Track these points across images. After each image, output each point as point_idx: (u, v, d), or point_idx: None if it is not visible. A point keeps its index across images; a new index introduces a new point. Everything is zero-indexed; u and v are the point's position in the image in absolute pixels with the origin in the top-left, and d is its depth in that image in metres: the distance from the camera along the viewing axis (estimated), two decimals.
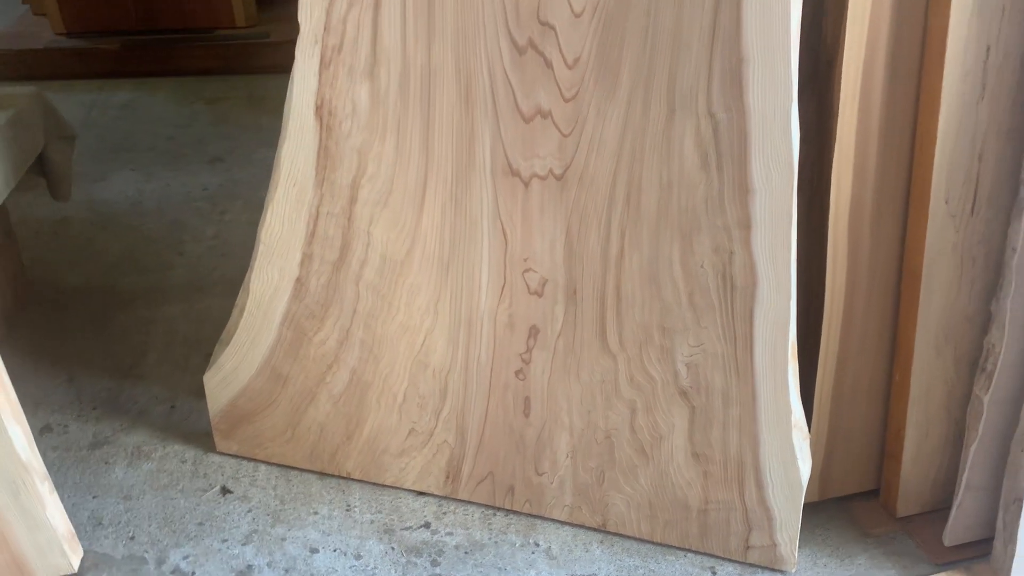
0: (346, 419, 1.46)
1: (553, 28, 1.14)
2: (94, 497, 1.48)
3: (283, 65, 3.60)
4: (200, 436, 1.60)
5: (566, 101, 1.17)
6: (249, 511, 1.45)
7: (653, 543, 1.40)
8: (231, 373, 1.48)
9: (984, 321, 1.33)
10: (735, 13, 1.07)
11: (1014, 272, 1.25)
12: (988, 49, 1.19)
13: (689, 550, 1.39)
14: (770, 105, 1.10)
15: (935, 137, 1.23)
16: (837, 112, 1.23)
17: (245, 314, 1.43)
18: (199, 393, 1.69)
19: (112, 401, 1.69)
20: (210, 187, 2.47)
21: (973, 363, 1.35)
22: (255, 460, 1.55)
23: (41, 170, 1.88)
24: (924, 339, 1.34)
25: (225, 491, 1.49)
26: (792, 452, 1.27)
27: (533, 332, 1.32)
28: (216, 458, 1.55)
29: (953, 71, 1.19)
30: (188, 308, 1.95)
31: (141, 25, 3.35)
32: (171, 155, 2.65)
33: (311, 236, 1.34)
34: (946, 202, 1.26)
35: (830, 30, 1.23)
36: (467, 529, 1.42)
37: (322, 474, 1.52)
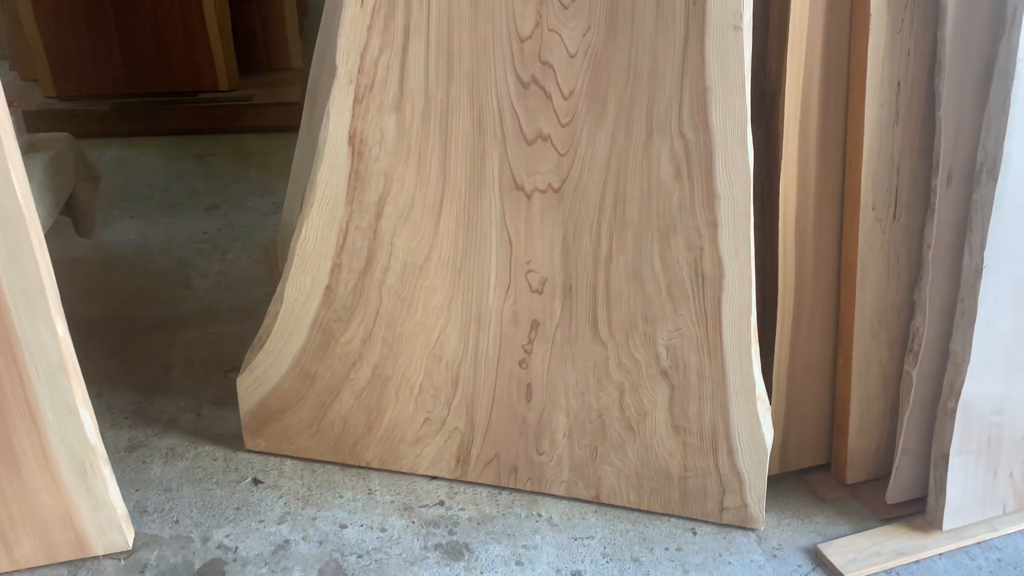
0: (367, 412, 1.65)
1: (552, 67, 1.39)
2: (136, 490, 1.63)
3: (265, 125, 3.85)
4: (227, 438, 1.77)
5: (563, 126, 1.42)
6: (280, 497, 1.62)
7: (641, 510, 1.60)
8: (263, 374, 1.66)
9: (910, 308, 1.59)
10: (699, 53, 1.34)
11: (930, 266, 1.52)
12: (899, 84, 1.48)
13: (672, 515, 1.59)
14: (730, 126, 1.36)
15: (861, 156, 1.50)
16: (782, 136, 1.50)
17: (279, 320, 1.62)
18: (222, 403, 1.87)
19: (142, 412, 1.84)
20: (209, 231, 2.66)
21: (903, 345, 1.60)
22: (281, 455, 1.72)
23: (67, 209, 2.06)
24: (861, 326, 1.59)
25: (256, 482, 1.66)
26: (757, 420, 1.50)
27: (534, 325, 1.54)
28: (244, 455, 1.72)
29: (872, 102, 1.48)
30: (203, 333, 2.12)
31: (129, 89, 3.56)
32: (169, 204, 2.84)
33: (341, 248, 1.55)
34: (873, 209, 1.53)
35: (773, 70, 1.51)
36: (477, 505, 1.61)
37: (344, 465, 1.69)
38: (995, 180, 1.42)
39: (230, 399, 1.86)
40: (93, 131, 3.43)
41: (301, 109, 3.63)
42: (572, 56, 1.38)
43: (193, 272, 2.41)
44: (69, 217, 2.08)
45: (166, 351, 2.05)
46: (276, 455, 1.72)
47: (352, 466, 1.69)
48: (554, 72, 1.40)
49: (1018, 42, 1.38)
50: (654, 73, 1.36)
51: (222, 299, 2.28)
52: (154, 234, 2.63)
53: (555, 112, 1.42)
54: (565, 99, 1.41)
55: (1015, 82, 1.39)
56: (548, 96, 1.41)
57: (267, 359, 1.65)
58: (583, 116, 1.41)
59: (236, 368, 1.98)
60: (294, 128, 3.55)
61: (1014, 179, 1.43)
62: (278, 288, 1.63)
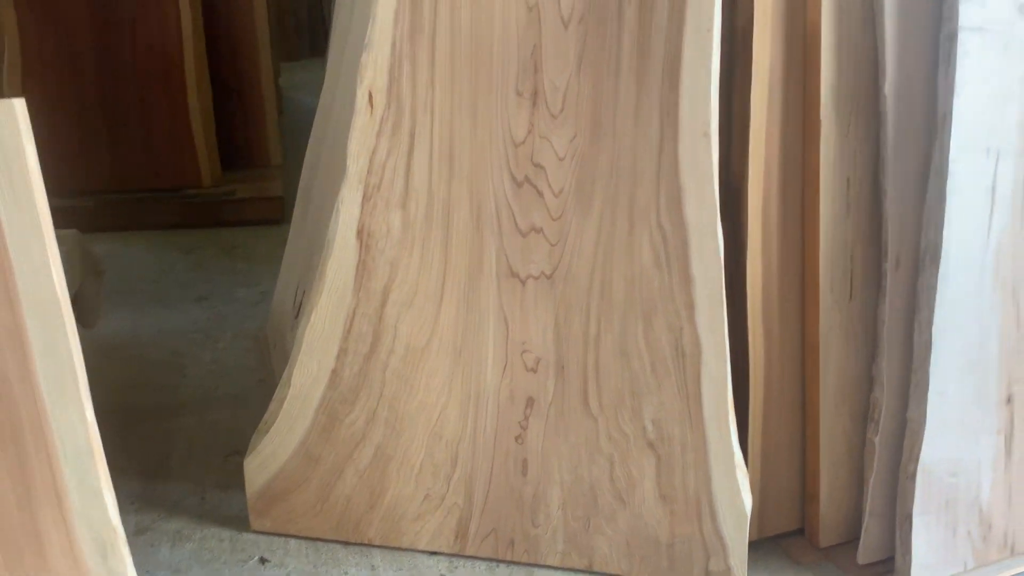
0: (370, 490, 1.74)
1: (543, 168, 1.56)
2: (147, 572, 1.68)
3: (248, 218, 3.98)
4: (232, 520, 1.83)
5: (554, 220, 1.57)
6: (287, 575, 1.68)
7: None
8: (270, 456, 1.75)
9: (869, 381, 1.74)
10: (673, 156, 1.51)
11: (885, 342, 1.68)
12: (848, 180, 1.67)
13: None
14: (702, 219, 1.53)
15: (818, 243, 1.68)
16: (746, 226, 1.67)
17: (286, 404, 1.72)
18: (224, 486, 1.94)
19: (146, 497, 1.90)
20: (200, 321, 2.75)
21: (864, 415, 1.75)
22: (286, 535, 1.78)
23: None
24: (826, 399, 1.73)
25: (263, 561, 1.72)
26: (737, 487, 1.62)
27: (530, 402, 1.66)
28: (250, 536, 1.79)
29: (826, 196, 1.66)
30: (200, 419, 2.20)
31: (114, 186, 3.68)
32: (158, 296, 2.93)
33: (347, 333, 1.67)
34: (831, 291, 1.69)
35: (737, 168, 1.69)
36: None
37: (346, 543, 1.77)
38: (937, 264, 1.60)
39: (232, 482, 1.94)
40: (80, 226, 3.51)
41: (282, 203, 3.81)
42: (561, 159, 1.55)
43: (187, 361, 2.49)
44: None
45: (166, 437, 2.12)
46: (281, 535, 1.79)
47: (355, 543, 1.77)
48: (545, 173, 1.56)
49: (949, 143, 1.57)
50: (634, 173, 1.53)
51: (217, 386, 2.36)
52: (146, 325, 2.72)
53: (547, 207, 1.57)
54: (555, 196, 1.57)
55: (949, 178, 1.58)
56: (540, 194, 1.57)
57: (274, 442, 1.74)
58: (572, 210, 1.57)
59: (236, 452, 2.06)
60: (275, 221, 3.72)
61: (954, 263, 1.60)
62: (284, 373, 1.74)
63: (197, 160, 3.72)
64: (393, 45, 1.54)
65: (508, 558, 1.73)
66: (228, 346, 2.59)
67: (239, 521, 1.82)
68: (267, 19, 4.00)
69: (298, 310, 2.27)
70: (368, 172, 1.59)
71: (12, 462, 1.39)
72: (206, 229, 3.59)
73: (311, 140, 2.48)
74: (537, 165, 1.56)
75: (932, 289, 1.61)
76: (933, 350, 1.62)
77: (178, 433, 2.14)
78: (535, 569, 1.72)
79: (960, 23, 1.54)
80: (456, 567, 1.72)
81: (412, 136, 1.57)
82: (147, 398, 2.29)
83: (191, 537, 1.78)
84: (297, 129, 5.37)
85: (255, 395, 2.32)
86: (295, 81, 6.99)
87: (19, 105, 1.29)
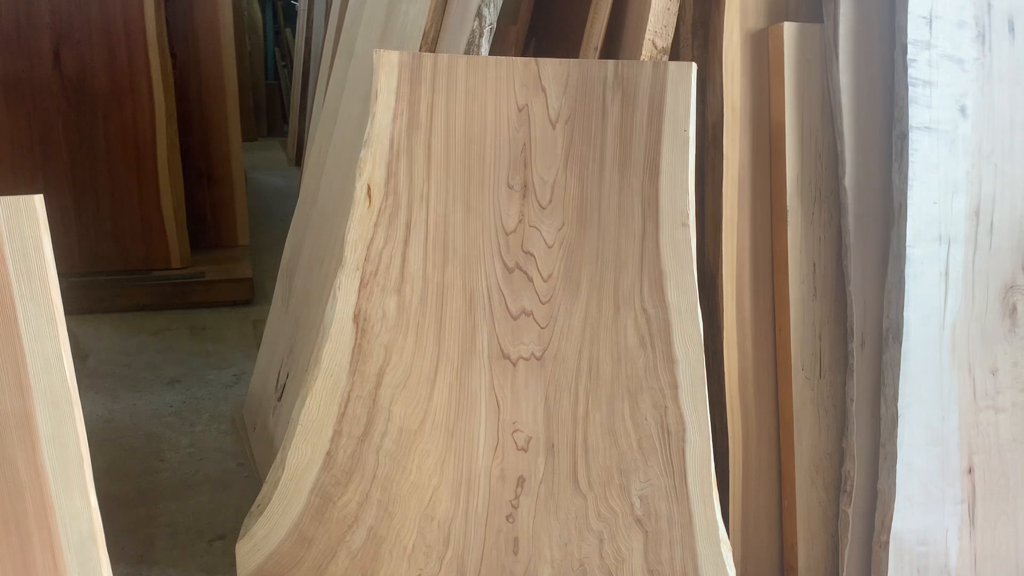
0: (362, 572, 1.75)
1: (533, 255, 1.64)
2: None
3: (217, 300, 4.00)
4: None
5: (543, 303, 1.66)
6: None
7: None
8: (262, 540, 1.76)
9: (840, 454, 1.83)
10: (655, 244, 1.61)
11: (854, 417, 1.78)
12: (814, 265, 1.79)
13: None
14: (683, 302, 1.62)
15: (789, 324, 1.79)
16: (722, 309, 1.77)
17: (279, 486, 1.74)
18: (211, 571, 1.93)
19: None
20: (175, 404, 2.75)
21: (837, 487, 1.83)
22: None
23: None
24: (801, 473, 1.82)
25: None
26: (722, 560, 1.68)
27: (520, 481, 1.71)
28: None
29: (794, 280, 1.78)
30: (182, 505, 2.19)
31: (84, 267, 3.68)
32: (130, 379, 2.92)
33: (342, 416, 1.71)
34: (802, 369, 1.80)
35: (711, 254, 1.80)
36: None
37: None
38: (900, 342, 1.71)
39: (218, 566, 1.93)
40: None
41: (251, 284, 3.83)
42: (550, 246, 1.64)
43: (164, 445, 2.49)
44: None
45: (148, 523, 2.11)
46: None
47: None
48: (535, 259, 1.64)
49: (905, 231, 1.71)
50: (618, 259, 1.63)
51: (196, 471, 2.36)
52: (120, 409, 2.70)
53: (536, 292, 1.65)
54: (545, 281, 1.65)
55: (907, 263, 1.71)
56: (530, 279, 1.65)
57: (267, 524, 1.75)
58: (560, 294, 1.65)
59: (220, 537, 2.06)
60: (245, 302, 3.75)
61: (915, 341, 1.72)
62: (278, 456, 1.76)
63: (167, 243, 3.76)
64: (391, 141, 1.63)
65: None
66: (204, 429, 2.59)
67: None
68: (237, 105, 4.10)
69: (281, 392, 2.30)
70: (365, 260, 1.66)
71: (14, 549, 1.40)
72: (175, 311, 3.60)
73: (292, 227, 2.55)
74: (527, 252, 1.64)
75: (896, 366, 1.72)
76: (899, 424, 1.72)
77: (160, 519, 2.13)
78: None
79: (910, 123, 1.70)
80: None
81: (408, 226, 1.65)
82: (127, 484, 2.28)
83: None
84: (259, 208, 5.44)
85: (235, 478, 2.32)
86: (253, 161, 7.09)
87: (39, 201, 1.35)
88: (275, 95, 9.17)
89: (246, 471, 2.35)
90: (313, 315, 2.19)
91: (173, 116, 3.74)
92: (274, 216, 5.28)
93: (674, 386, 1.64)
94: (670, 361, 1.64)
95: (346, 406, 1.71)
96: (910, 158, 1.70)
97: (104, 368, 3.00)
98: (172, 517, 2.14)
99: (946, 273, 1.75)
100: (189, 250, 3.87)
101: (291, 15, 9.61)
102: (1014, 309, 1.85)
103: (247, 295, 3.76)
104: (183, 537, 2.06)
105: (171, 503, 2.20)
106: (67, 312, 3.40)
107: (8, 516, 1.39)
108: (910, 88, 1.69)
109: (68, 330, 3.17)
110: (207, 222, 4.14)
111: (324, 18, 5.48)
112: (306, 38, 6.56)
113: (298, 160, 6.94)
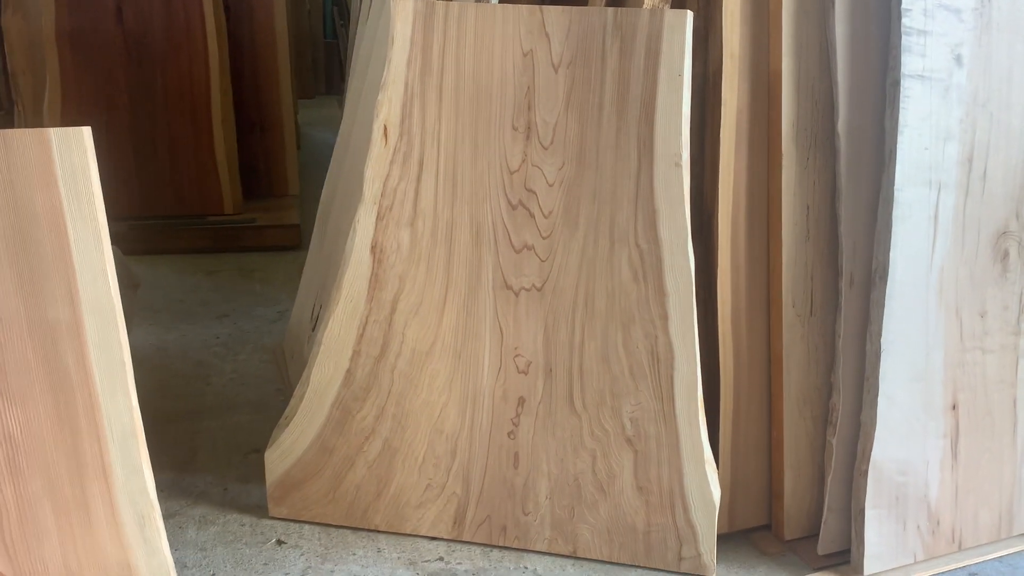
0: (377, 480, 1.93)
1: (535, 192, 1.77)
2: (176, 550, 1.87)
3: (266, 244, 4.22)
4: (252, 508, 2.02)
5: (543, 238, 1.79)
6: (302, 554, 1.87)
7: (612, 563, 1.87)
8: (288, 448, 1.94)
9: (828, 388, 1.93)
10: (649, 183, 1.72)
11: (841, 352, 1.88)
12: (808, 207, 1.88)
13: (638, 566, 1.87)
14: (674, 239, 1.73)
15: (781, 264, 1.88)
16: (718, 248, 1.88)
17: (304, 400, 1.92)
18: (245, 480, 2.13)
19: (174, 487, 2.10)
20: (222, 336, 2.96)
21: (824, 419, 1.94)
22: (300, 521, 1.97)
23: None
24: (789, 405, 1.92)
25: (280, 542, 1.91)
26: (707, 480, 1.81)
27: (520, 402, 1.86)
28: (268, 521, 1.98)
29: (787, 222, 1.87)
30: (223, 423, 2.40)
31: (143, 211, 3.93)
32: (183, 313, 3.15)
33: (360, 338, 1.87)
34: (793, 306, 1.89)
35: (709, 196, 1.90)
36: (472, 560, 1.87)
37: (355, 529, 1.95)
38: (886, 282, 1.80)
39: (252, 476, 2.13)
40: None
41: (298, 231, 4.05)
42: (550, 185, 1.76)
43: (210, 371, 2.70)
44: None
45: (192, 437, 2.32)
46: (296, 521, 1.98)
47: (362, 529, 1.95)
48: (536, 197, 1.77)
49: (894, 175, 1.78)
50: (614, 197, 1.74)
51: (238, 394, 2.57)
52: (172, 339, 2.93)
53: (537, 228, 1.78)
54: (545, 217, 1.78)
55: (895, 207, 1.78)
56: (532, 215, 1.78)
57: (292, 435, 1.94)
58: (560, 230, 1.78)
59: (255, 450, 2.26)
60: (293, 247, 3.95)
61: (900, 281, 1.80)
62: (304, 372, 1.94)
63: (220, 190, 3.97)
64: (406, 85, 1.77)
65: (500, 543, 1.92)
66: (248, 358, 2.80)
67: (258, 509, 2.01)
68: (288, 58, 4.27)
69: (315, 322, 2.48)
70: (382, 195, 1.81)
71: (67, 441, 1.60)
72: (228, 253, 3.82)
73: (329, 174, 2.71)
74: (529, 190, 1.77)
75: (881, 304, 1.81)
76: (882, 359, 1.81)
77: (203, 434, 2.34)
78: (525, 553, 1.90)
79: (903, 71, 1.76)
80: (454, 550, 1.90)
81: (420, 164, 1.79)
82: (174, 404, 2.49)
83: (215, 522, 1.97)
84: (312, 162, 5.64)
85: (273, 402, 2.52)
86: (310, 118, 7.29)
87: (86, 132, 1.52)
88: (333, 54, 9.36)
89: (283, 396, 2.55)
90: (341, 251, 2.35)
91: (227, 68, 3.93)
92: (325, 170, 5.47)
93: (664, 317, 1.76)
94: (661, 294, 1.75)
95: (364, 329, 1.87)
96: (901, 105, 1.77)
97: (160, 303, 3.24)
98: (213, 433, 2.34)
99: (935, 217, 1.82)
100: (241, 197, 4.09)
101: None
102: (1006, 254, 1.91)
103: (294, 241, 3.96)
104: (222, 450, 2.27)
105: (213, 421, 2.40)
106: (128, 253, 3.65)
107: (61, 412, 1.59)
108: (903, 37, 1.75)
109: (131, 268, 3.39)
110: (259, 171, 4.35)
111: None
112: None
113: None
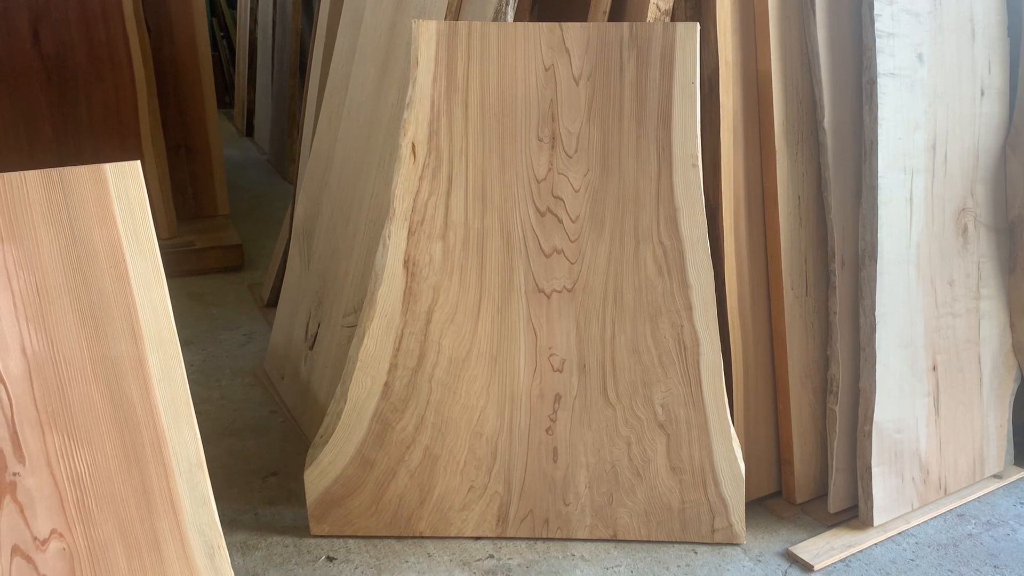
0: (420, 488, 1.98)
1: (562, 199, 1.86)
2: None
3: (208, 267, 4.11)
4: (290, 529, 2.03)
5: (572, 242, 1.88)
6: (356, 568, 1.90)
7: (651, 541, 1.99)
8: (328, 466, 1.96)
9: (826, 361, 2.11)
10: (669, 184, 1.85)
11: (836, 327, 2.06)
12: (799, 197, 2.05)
13: (676, 541, 1.99)
14: (694, 234, 1.87)
15: (779, 251, 2.05)
16: (723, 239, 2.03)
17: (343, 416, 1.94)
18: (272, 503, 2.13)
19: None
20: (195, 363, 2.90)
21: (824, 389, 2.12)
22: (343, 536, 2.00)
23: None
24: (793, 378, 2.10)
25: (330, 559, 1.93)
26: (734, 455, 1.95)
27: (557, 398, 1.95)
28: (310, 540, 1.99)
29: (783, 211, 2.03)
30: (229, 448, 2.37)
31: None
32: None
33: (397, 351, 1.92)
34: (791, 288, 2.07)
35: (712, 191, 2.05)
36: (521, 554, 1.95)
37: (400, 537, 2.00)
38: (875, 260, 1.99)
39: (277, 499, 2.13)
40: None
41: (241, 251, 3.96)
42: (577, 191, 1.86)
43: (198, 400, 2.65)
44: None
45: None
46: (339, 536, 2.00)
47: (407, 537, 2.00)
48: (564, 203, 1.87)
49: (876, 164, 1.98)
50: (638, 199, 1.86)
51: (233, 420, 2.54)
52: None
53: (566, 232, 1.88)
54: (573, 222, 1.88)
55: (878, 193, 1.98)
56: (560, 221, 1.87)
57: (332, 452, 1.96)
58: (587, 233, 1.88)
59: (273, 473, 2.25)
60: (235, 268, 3.87)
61: (887, 259, 2.00)
62: (338, 389, 1.97)
63: (155, 214, 3.85)
64: (432, 103, 1.82)
65: (544, 535, 2.00)
66: (230, 383, 2.76)
67: (296, 530, 2.02)
68: (212, 76, 4.18)
69: (313, 340, 2.49)
70: (412, 210, 1.86)
71: (135, 479, 1.58)
72: (171, 279, 3.69)
73: (304, 192, 2.71)
74: (557, 197, 1.86)
75: (872, 280, 2.00)
76: (877, 330, 2.00)
77: (214, 462, 2.31)
78: (568, 542, 1.99)
79: (878, 70, 1.96)
80: (500, 547, 1.97)
81: (450, 178, 1.85)
82: None
83: (257, 546, 1.97)
84: (227, 179, 5.50)
85: (271, 424, 2.50)
86: None
87: (138, 167, 1.51)
88: (216, 66, 9.09)
89: (280, 417, 2.54)
90: (342, 268, 2.37)
91: (154, 90, 3.81)
92: (237, 187, 5.35)
93: (689, 308, 1.89)
94: (685, 286, 1.88)
95: (400, 342, 1.91)
96: (879, 100, 1.96)
97: None
98: (223, 460, 2.32)
99: (911, 199, 2.03)
100: (175, 220, 3.98)
101: None
102: (966, 228, 2.15)
103: (237, 261, 3.89)
104: (238, 476, 2.25)
105: (219, 448, 2.37)
106: None
107: (128, 450, 1.57)
108: (877, 39, 1.95)
109: None
110: (187, 193, 4.24)
111: None
112: (251, 8, 6.57)
113: (248, 131, 6.97)
